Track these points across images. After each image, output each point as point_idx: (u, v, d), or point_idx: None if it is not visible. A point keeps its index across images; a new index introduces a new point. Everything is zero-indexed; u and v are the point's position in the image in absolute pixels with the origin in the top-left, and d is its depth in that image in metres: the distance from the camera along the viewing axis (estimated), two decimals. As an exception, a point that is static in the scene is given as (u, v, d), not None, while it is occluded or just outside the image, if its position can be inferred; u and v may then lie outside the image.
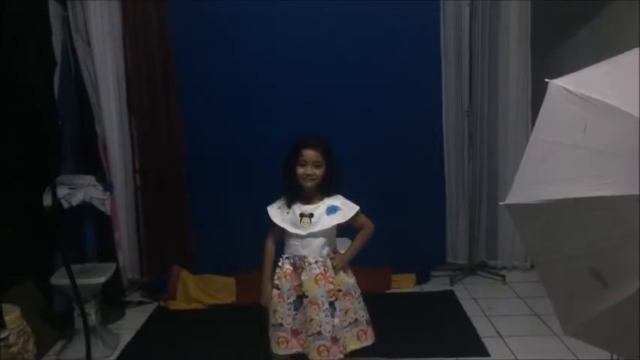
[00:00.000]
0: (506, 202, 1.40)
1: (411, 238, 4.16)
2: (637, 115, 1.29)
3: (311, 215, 2.48)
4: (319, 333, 2.44)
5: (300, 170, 2.46)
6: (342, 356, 2.50)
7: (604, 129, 1.33)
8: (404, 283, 4.14)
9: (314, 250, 2.48)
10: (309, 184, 2.47)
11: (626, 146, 1.29)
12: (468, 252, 4.35)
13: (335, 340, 2.46)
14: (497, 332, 3.34)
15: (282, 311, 2.49)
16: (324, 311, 2.44)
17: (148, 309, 3.87)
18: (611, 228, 1.28)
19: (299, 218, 2.49)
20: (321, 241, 2.49)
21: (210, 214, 4.15)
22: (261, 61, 4.04)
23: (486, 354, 3.09)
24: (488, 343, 3.19)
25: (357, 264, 3.80)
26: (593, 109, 1.34)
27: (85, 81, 3.88)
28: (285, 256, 2.53)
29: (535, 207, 1.35)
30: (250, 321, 3.50)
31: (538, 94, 3.98)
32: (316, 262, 2.47)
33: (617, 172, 1.28)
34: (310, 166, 2.45)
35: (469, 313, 3.61)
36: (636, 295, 1.24)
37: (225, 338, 3.37)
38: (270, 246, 2.59)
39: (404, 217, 4.17)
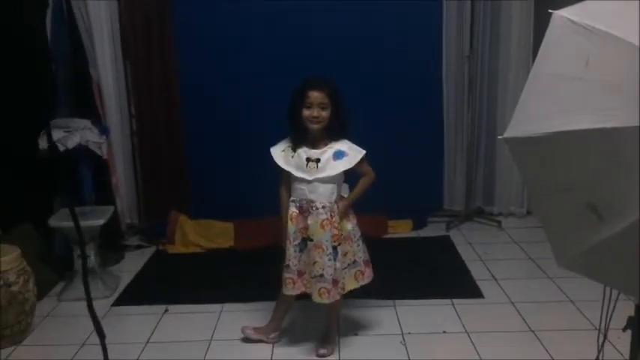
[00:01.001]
0: (504, 135, 1.38)
1: (409, 184, 4.16)
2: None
3: (318, 160, 2.46)
4: (321, 275, 2.48)
5: (306, 112, 2.43)
6: (339, 297, 2.55)
7: (608, 60, 1.30)
8: (400, 229, 4.18)
9: (321, 195, 2.48)
10: (315, 126, 2.44)
11: (629, 77, 1.26)
12: (465, 198, 4.37)
13: (335, 282, 2.50)
14: (492, 275, 3.39)
15: (289, 253, 2.53)
16: (328, 255, 2.47)
17: (147, 253, 3.91)
18: (610, 160, 1.26)
19: (305, 162, 2.47)
20: (328, 186, 2.48)
21: (209, 159, 4.14)
22: (259, 12, 3.95)
23: (481, 296, 3.15)
24: (483, 286, 3.24)
25: (354, 209, 3.85)
26: (597, 39, 1.31)
27: (79, 24, 3.78)
28: (292, 199, 2.52)
29: (534, 140, 1.33)
30: (248, 265, 3.57)
31: (540, 39, 3.95)
32: (324, 207, 2.47)
33: (620, 104, 1.26)
34: (316, 108, 2.41)
35: (464, 257, 3.65)
36: (630, 227, 1.24)
37: (223, 281, 3.41)
38: (284, 194, 2.57)
39: (401, 164, 4.16)
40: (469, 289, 3.22)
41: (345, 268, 2.56)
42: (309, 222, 2.48)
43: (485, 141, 4.35)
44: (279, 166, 2.52)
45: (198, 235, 3.98)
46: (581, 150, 1.30)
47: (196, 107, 4.08)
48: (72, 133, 3.40)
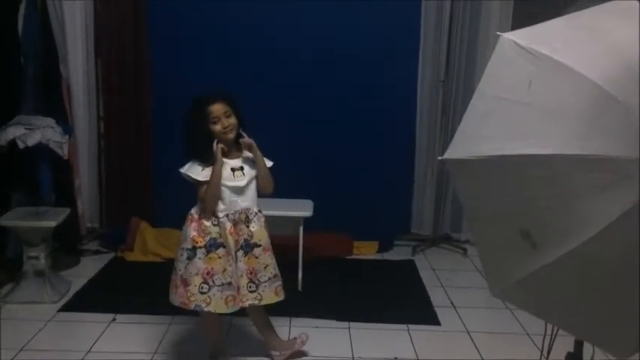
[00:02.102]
0: (444, 156, 1.34)
1: (377, 206, 4.14)
2: (584, 74, 1.24)
3: (241, 168, 2.44)
4: (276, 275, 2.50)
5: (217, 127, 2.36)
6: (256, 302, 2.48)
7: (549, 86, 1.28)
8: (366, 250, 4.13)
9: (253, 200, 2.48)
10: (230, 136, 2.39)
11: (569, 104, 1.24)
12: (433, 223, 4.33)
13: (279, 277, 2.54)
14: (452, 303, 3.34)
15: (230, 270, 2.42)
16: (272, 255, 2.51)
17: (104, 259, 3.81)
18: (546, 187, 1.23)
19: (231, 173, 2.41)
20: (254, 190, 2.48)
21: (174, 167, 4.05)
22: (232, 15, 3.93)
23: (437, 323, 3.10)
24: (441, 313, 3.19)
25: (320, 228, 3.80)
26: (541, 64, 1.29)
27: (52, 20, 3.73)
28: (225, 214, 2.40)
29: (472, 163, 1.30)
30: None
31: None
32: (259, 210, 2.48)
33: (559, 131, 1.23)
34: (223, 118, 2.36)
35: (426, 283, 3.60)
36: (564, 258, 1.21)
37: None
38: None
39: (371, 185, 4.15)
40: (426, 316, 3.17)
41: (266, 281, 2.48)
42: (252, 229, 2.44)
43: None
44: (201, 186, 2.40)
45: (159, 243, 3.89)
46: (517, 175, 1.27)
47: (166, 113, 4.01)
48: (33, 131, 3.32)
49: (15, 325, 2.86)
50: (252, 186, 2.47)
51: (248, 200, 2.44)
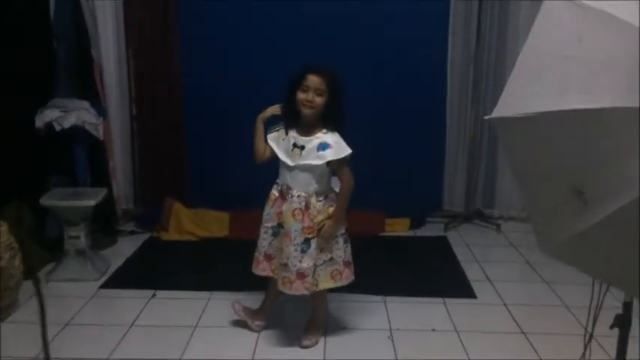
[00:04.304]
0: (491, 115, 1.33)
1: (409, 183, 4.13)
2: (635, 24, 1.21)
3: (302, 147, 2.41)
4: (285, 265, 2.44)
5: (301, 96, 2.38)
6: (306, 292, 2.47)
7: (599, 39, 1.25)
8: (398, 227, 4.12)
9: (299, 183, 2.43)
10: (307, 111, 2.39)
11: (621, 56, 1.22)
12: (465, 200, 4.30)
13: (301, 275, 2.42)
14: (487, 277, 3.33)
15: (263, 234, 2.53)
16: (295, 246, 2.41)
17: (140, 239, 3.87)
18: (598, 142, 1.21)
19: (291, 147, 2.43)
20: (307, 176, 2.42)
21: (207, 147, 4.11)
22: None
23: (473, 296, 3.09)
24: (477, 287, 3.19)
25: (352, 206, 3.80)
26: (592, 17, 1.26)
27: (82, 4, 3.76)
28: (276, 181, 2.52)
29: (521, 120, 1.28)
30: (241, 255, 3.51)
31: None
32: (299, 196, 2.42)
33: (609, 85, 1.21)
34: (311, 92, 2.36)
35: (460, 258, 3.59)
36: (615, 214, 1.19)
37: (214, 269, 3.37)
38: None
39: (403, 162, 4.13)
40: (462, 289, 3.16)
41: (321, 264, 2.48)
42: (283, 208, 2.45)
43: (487, 143, 4.28)
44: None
45: (193, 223, 3.94)
46: (568, 131, 1.25)
47: (198, 95, 4.06)
48: (68, 113, 3.38)
49: (59, 301, 2.93)
50: (304, 171, 2.41)
51: (294, 181, 2.43)
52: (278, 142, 2.48)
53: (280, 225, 2.48)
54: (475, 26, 4.03)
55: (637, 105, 1.16)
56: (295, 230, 2.40)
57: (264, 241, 2.52)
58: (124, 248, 3.70)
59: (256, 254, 2.55)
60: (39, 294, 1.30)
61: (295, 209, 2.41)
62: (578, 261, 1.33)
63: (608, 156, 1.21)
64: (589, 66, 1.26)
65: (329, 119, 2.42)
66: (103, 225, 3.76)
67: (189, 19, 3.96)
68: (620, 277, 1.29)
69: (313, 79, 2.37)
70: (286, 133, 2.47)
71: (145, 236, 3.92)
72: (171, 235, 3.89)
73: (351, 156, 2.43)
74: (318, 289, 2.50)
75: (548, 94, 1.29)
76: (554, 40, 1.32)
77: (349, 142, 2.45)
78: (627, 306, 1.53)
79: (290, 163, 2.42)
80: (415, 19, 3.97)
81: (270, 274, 2.53)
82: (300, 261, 2.40)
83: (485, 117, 1.36)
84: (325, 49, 3.80)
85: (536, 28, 1.36)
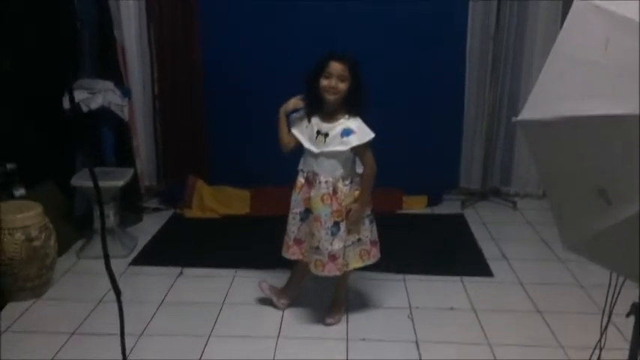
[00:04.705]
0: (519, 117, 1.38)
1: (426, 160, 4.17)
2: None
3: (326, 135, 2.47)
4: (317, 248, 2.52)
5: (324, 82, 2.43)
6: (338, 273, 2.57)
7: (627, 46, 1.29)
8: (415, 205, 4.20)
9: (326, 170, 2.50)
10: (331, 97, 2.44)
11: (646, 64, 1.26)
12: (482, 177, 4.36)
13: (333, 257, 2.52)
14: (504, 255, 3.41)
15: (289, 219, 2.62)
16: (326, 229, 2.49)
17: (165, 215, 3.99)
18: (622, 147, 1.27)
19: (315, 135, 2.49)
20: (333, 162, 2.49)
21: (229, 125, 4.17)
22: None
23: (490, 274, 3.18)
24: (494, 265, 3.27)
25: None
26: (618, 24, 1.30)
27: (104, -15, 3.81)
28: (300, 168, 2.58)
29: (548, 123, 1.34)
30: (263, 232, 3.62)
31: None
32: (326, 181, 2.49)
33: (635, 91, 1.26)
34: (335, 78, 2.42)
35: (477, 237, 3.67)
36: (636, 216, 1.25)
37: (238, 247, 3.48)
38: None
39: (420, 140, 4.17)
40: (479, 268, 3.25)
41: (350, 245, 2.57)
42: (311, 194, 2.52)
43: (505, 121, 4.30)
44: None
45: (216, 200, 4.05)
46: (593, 135, 1.30)
47: (218, 73, 4.10)
48: (95, 95, 3.46)
49: (91, 279, 3.06)
50: (329, 158, 2.48)
51: (320, 167, 2.50)
52: (302, 130, 2.54)
53: (308, 210, 2.56)
54: (495, 4, 4.01)
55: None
56: (325, 215, 2.49)
57: (294, 227, 2.60)
58: (150, 225, 3.82)
59: (286, 239, 2.64)
60: (120, 307, 1.40)
61: (324, 194, 2.49)
62: (599, 257, 1.40)
63: (630, 160, 1.27)
64: (614, 72, 1.30)
65: (351, 105, 2.48)
66: (129, 202, 3.87)
67: (209, 1, 3.99)
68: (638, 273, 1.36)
69: (336, 66, 2.42)
70: (309, 121, 2.53)
71: (169, 213, 4.03)
72: (194, 212, 3.99)
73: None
74: (348, 270, 2.61)
75: (573, 98, 1.34)
76: (581, 44, 1.36)
77: (367, 121, 2.51)
78: (644, 296, 1.60)
79: (315, 150, 2.48)
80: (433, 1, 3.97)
81: (301, 257, 2.63)
82: (331, 244, 2.50)
83: (513, 119, 1.41)
84: (343, 32, 3.84)
85: (564, 33, 1.41)
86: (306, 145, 2.51)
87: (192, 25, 4.02)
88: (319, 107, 2.51)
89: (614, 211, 1.30)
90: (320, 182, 2.50)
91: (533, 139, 1.43)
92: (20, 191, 3.05)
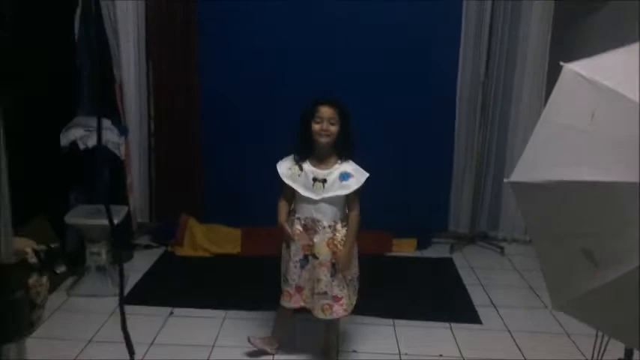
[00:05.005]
0: (510, 179, 1.45)
1: (415, 203, 4.24)
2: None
3: (324, 181, 2.52)
4: (325, 293, 2.55)
5: (316, 127, 2.50)
6: (345, 313, 2.61)
7: (612, 117, 1.37)
8: (404, 247, 4.24)
9: (328, 215, 2.54)
10: (324, 139, 2.50)
11: (631, 135, 1.34)
12: (470, 221, 4.43)
13: (337, 299, 2.56)
14: (492, 302, 3.45)
15: (289, 267, 2.61)
16: (331, 272, 2.55)
17: (156, 253, 4.00)
18: (608, 212, 1.33)
19: (312, 182, 2.53)
20: (334, 207, 2.55)
21: (222, 165, 4.23)
22: (281, 16, 4.05)
23: (479, 322, 3.21)
24: (482, 312, 3.30)
25: (361, 226, 3.89)
26: (604, 95, 1.38)
27: (106, 24, 3.89)
28: (297, 216, 2.58)
29: (538, 186, 1.41)
30: (253, 272, 3.65)
31: (554, 68, 4.03)
32: (329, 226, 2.54)
33: (620, 160, 1.33)
34: (326, 121, 2.49)
35: (466, 282, 3.71)
36: (624, 277, 1.31)
37: (228, 287, 3.49)
38: (282, 204, 2.62)
39: (410, 182, 4.25)
40: (468, 314, 3.28)
41: (316, 294, 2.59)
42: (315, 240, 2.55)
43: (493, 166, 4.40)
44: (283, 182, 2.58)
45: (207, 239, 4.07)
46: (581, 200, 1.37)
47: (214, 113, 4.18)
48: (92, 133, 3.50)
49: (82, 317, 3.06)
50: (330, 203, 2.52)
51: (320, 213, 2.53)
52: (295, 180, 2.56)
53: (307, 256, 2.58)
54: (485, 51, 4.14)
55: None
56: (330, 259, 2.54)
57: (294, 275, 2.59)
58: (141, 263, 3.82)
59: (287, 288, 2.62)
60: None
61: (328, 239, 2.54)
62: (587, 317, 1.45)
63: (616, 224, 1.33)
64: (600, 141, 1.38)
65: (342, 147, 2.56)
66: (120, 239, 3.88)
67: (209, 37, 4.09)
68: (627, 334, 1.41)
69: (325, 110, 2.50)
70: (300, 169, 2.56)
71: (160, 250, 4.04)
72: (185, 250, 4.01)
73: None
74: (349, 310, 2.64)
75: (562, 163, 1.41)
76: (569, 113, 1.45)
77: (357, 162, 2.60)
78: (628, 352, 1.65)
79: (315, 197, 2.52)
80: (426, 44, 4.09)
81: (303, 304, 2.63)
82: (337, 286, 2.55)
83: (505, 180, 1.48)
84: (338, 74, 3.96)
85: (553, 100, 1.49)
86: (304, 193, 2.54)
87: (191, 65, 4.11)
88: (310, 153, 2.57)
89: (601, 273, 1.36)
90: (324, 227, 2.54)
91: (523, 200, 1.50)
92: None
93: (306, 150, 2.57)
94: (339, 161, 2.55)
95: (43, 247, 1.12)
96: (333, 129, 2.50)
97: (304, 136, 2.54)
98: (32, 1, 3.32)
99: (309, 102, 2.57)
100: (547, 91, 4.10)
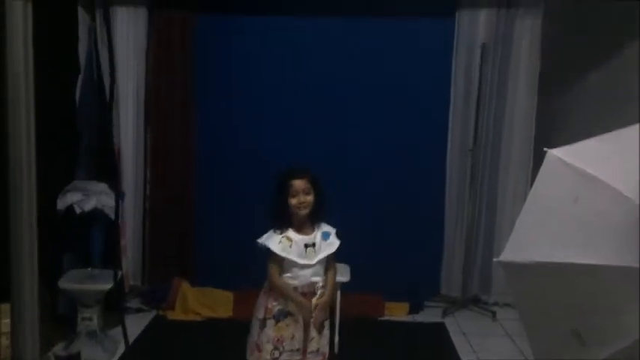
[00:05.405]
0: (500, 259, 1.52)
1: (407, 267, 4.28)
2: (621, 190, 1.42)
3: (313, 244, 2.62)
4: (317, 350, 2.63)
5: (294, 201, 2.57)
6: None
7: (593, 201, 1.45)
8: (397, 311, 4.24)
9: (320, 275, 2.64)
10: (303, 212, 2.58)
11: (609, 218, 1.41)
12: (462, 285, 4.45)
13: (324, 354, 2.66)
14: (484, 370, 3.44)
15: (299, 336, 2.61)
16: (317, 329, 2.63)
17: (147, 317, 3.97)
18: (593, 293, 1.39)
19: (304, 249, 2.61)
20: (323, 265, 2.64)
21: (215, 230, 4.28)
22: (278, 84, 4.21)
23: (472, 391, 3.19)
24: (475, 380, 3.29)
25: (352, 289, 3.93)
26: (586, 181, 1.47)
27: (106, 91, 4.01)
28: (295, 285, 2.60)
29: (526, 267, 1.47)
30: (245, 335, 3.61)
31: (540, 136, 4.17)
32: (322, 285, 2.63)
33: (601, 243, 1.40)
34: (302, 194, 2.58)
35: (459, 348, 3.70)
36: (609, 358, 1.36)
37: (221, 354, 3.46)
38: (282, 280, 2.61)
39: (402, 246, 4.29)
40: (461, 383, 3.27)
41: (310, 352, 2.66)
42: (314, 301, 2.61)
43: (484, 228, 4.46)
44: (274, 258, 2.59)
45: (199, 303, 4.06)
46: (566, 281, 1.43)
47: (209, 179, 4.26)
48: (89, 197, 3.55)
49: (70, 384, 3.01)
50: (321, 263, 2.62)
51: (317, 275, 2.61)
52: (289, 252, 2.58)
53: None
54: (474, 116, 4.27)
55: (628, 264, 1.35)
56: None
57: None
58: (131, 327, 3.73)
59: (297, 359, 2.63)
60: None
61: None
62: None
63: (599, 307, 1.39)
64: (584, 224, 1.45)
65: (317, 214, 2.65)
66: (112, 302, 3.85)
67: (207, 103, 4.23)
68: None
69: (299, 183, 2.58)
70: (288, 239, 2.59)
71: (151, 314, 4.02)
72: (177, 314, 3.99)
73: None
74: None
75: (548, 245, 1.48)
76: (554, 197, 1.53)
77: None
78: None
79: (312, 262, 2.60)
80: (416, 110, 4.25)
81: None
82: (325, 342, 2.66)
83: (494, 259, 1.54)
84: (332, 149, 4.09)
85: (538, 184, 1.57)
86: (301, 261, 2.58)
87: (188, 131, 4.21)
88: (290, 224, 2.62)
89: (589, 353, 1.41)
90: (321, 288, 2.62)
91: (512, 279, 1.55)
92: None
93: (286, 222, 2.63)
94: (316, 224, 2.66)
95: (64, 353, 1.16)
96: (310, 199, 2.59)
97: (282, 210, 2.61)
98: (35, 65, 3.43)
99: (279, 176, 2.64)
100: (535, 159, 4.22)
